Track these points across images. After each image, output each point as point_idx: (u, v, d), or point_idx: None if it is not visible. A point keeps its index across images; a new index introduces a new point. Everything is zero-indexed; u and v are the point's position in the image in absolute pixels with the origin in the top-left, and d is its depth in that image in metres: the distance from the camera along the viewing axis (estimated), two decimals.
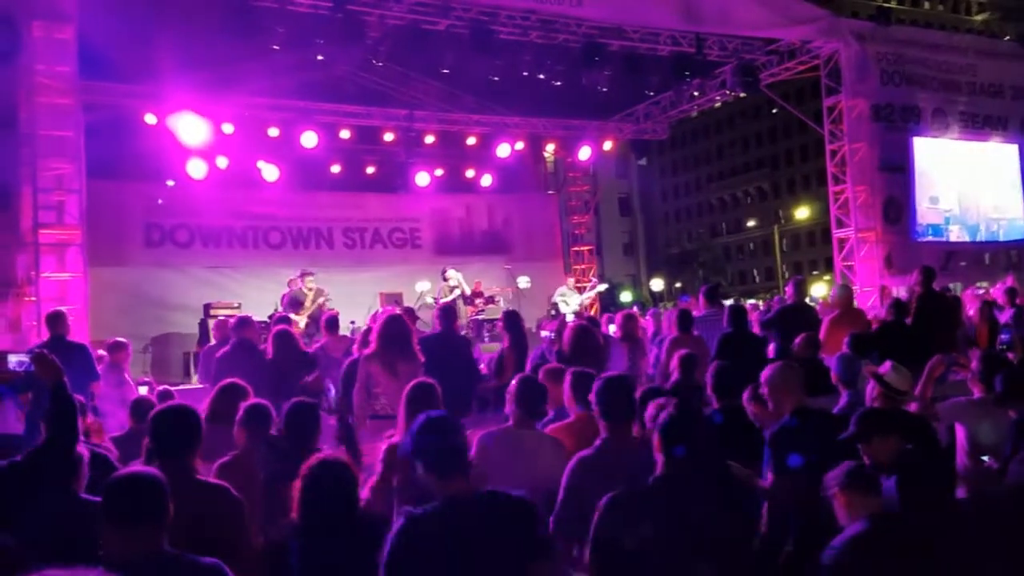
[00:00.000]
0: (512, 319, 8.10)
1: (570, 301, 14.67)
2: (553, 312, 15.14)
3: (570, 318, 13.74)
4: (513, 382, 4.48)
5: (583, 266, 20.42)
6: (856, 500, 3.02)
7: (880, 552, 2.83)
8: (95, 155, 11.18)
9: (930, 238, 15.11)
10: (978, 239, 15.88)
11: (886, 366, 4.66)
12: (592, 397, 3.98)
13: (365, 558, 2.92)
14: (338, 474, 3.18)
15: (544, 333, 12.30)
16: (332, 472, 3.17)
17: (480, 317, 14.44)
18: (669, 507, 2.96)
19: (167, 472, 2.99)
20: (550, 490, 3.92)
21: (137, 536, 2.67)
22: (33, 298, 9.44)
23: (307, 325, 11.83)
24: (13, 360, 4.02)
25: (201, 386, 8.22)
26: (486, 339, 13.36)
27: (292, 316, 11.80)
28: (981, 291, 13.24)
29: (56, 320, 7.29)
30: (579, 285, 17.53)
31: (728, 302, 10.98)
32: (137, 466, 2.98)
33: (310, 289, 12.49)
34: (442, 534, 2.69)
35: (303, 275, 12.76)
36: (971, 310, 9.22)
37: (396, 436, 4.18)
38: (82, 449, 3.59)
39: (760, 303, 23.61)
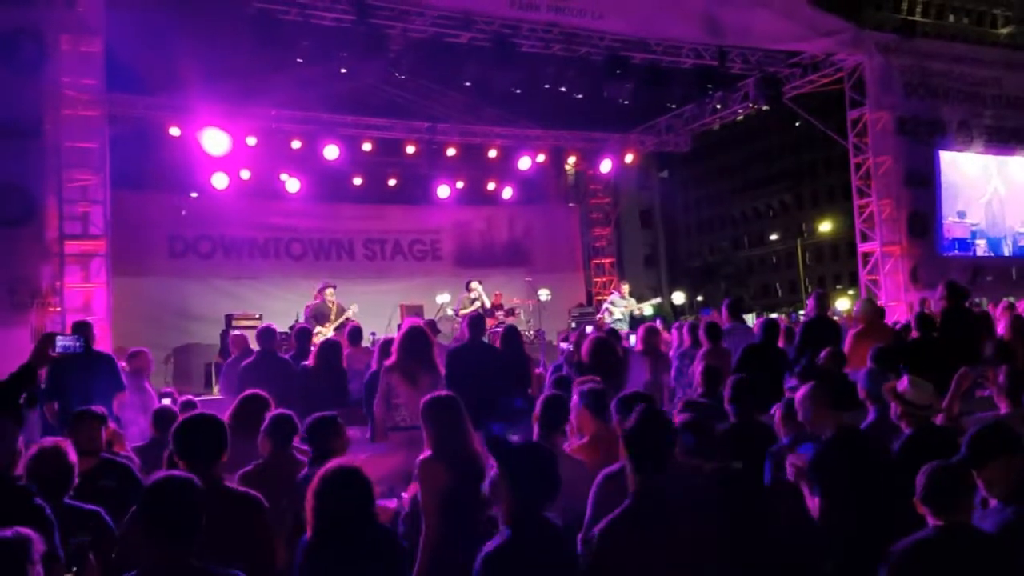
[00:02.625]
0: (508, 333, 8.01)
1: (615, 310, 14.57)
2: (574, 325, 15.09)
3: (613, 320, 13.64)
4: (539, 401, 4.45)
5: (604, 279, 20.37)
6: (933, 513, 2.96)
7: (936, 558, 2.86)
8: (120, 166, 11.30)
9: (956, 252, 14.95)
10: (1004, 253, 15.70)
11: (903, 382, 4.56)
12: (614, 411, 3.97)
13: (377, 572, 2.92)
14: (351, 482, 3.08)
15: (563, 345, 12.23)
16: (345, 480, 3.08)
17: (499, 329, 14.38)
18: (652, 529, 2.98)
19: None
20: (573, 509, 3.90)
21: (170, 546, 2.67)
22: (57, 308, 9.51)
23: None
24: (60, 343, 4.03)
25: (222, 397, 8.22)
26: None
27: (319, 328, 11.82)
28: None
29: (82, 330, 7.32)
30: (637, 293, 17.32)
31: (749, 317, 10.89)
32: (175, 472, 2.96)
33: (332, 302, 12.47)
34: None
35: (324, 288, 12.76)
36: (1001, 325, 9.06)
37: (428, 449, 4.14)
38: (73, 458, 3.61)
39: (784, 316, 23.45)
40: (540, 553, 2.91)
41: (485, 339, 7.78)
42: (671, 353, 8.42)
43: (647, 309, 17.18)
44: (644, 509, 3.02)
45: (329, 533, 3.02)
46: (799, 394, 4.35)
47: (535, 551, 2.90)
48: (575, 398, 4.68)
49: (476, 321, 7.69)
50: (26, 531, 2.47)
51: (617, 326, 13.23)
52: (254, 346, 8.65)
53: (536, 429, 4.37)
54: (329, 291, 12.58)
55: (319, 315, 12.31)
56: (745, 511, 3.74)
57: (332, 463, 3.17)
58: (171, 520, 2.71)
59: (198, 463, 3.42)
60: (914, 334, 8.09)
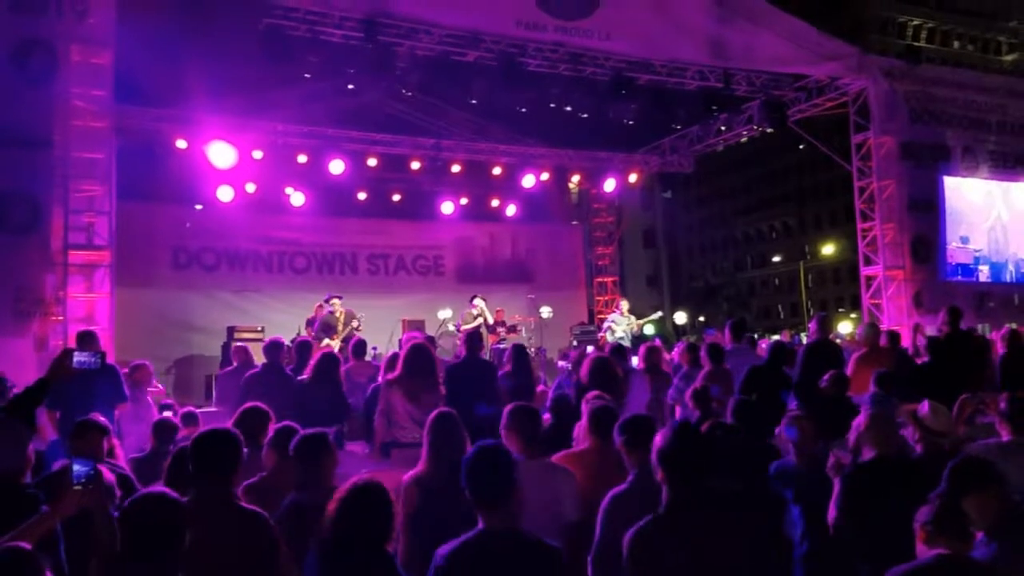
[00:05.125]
0: (516, 352, 8.02)
1: (616, 328, 14.56)
2: (575, 343, 15.08)
3: (615, 338, 13.63)
4: (505, 411, 4.45)
5: (606, 297, 20.37)
6: (936, 541, 2.94)
7: None
8: (126, 178, 11.33)
9: (959, 278, 14.95)
10: (1006, 280, 15.69)
11: (924, 407, 4.59)
12: (617, 433, 3.97)
13: None
14: (377, 499, 3.03)
15: (560, 363, 12.23)
16: (371, 497, 3.03)
17: (501, 346, 14.42)
18: (684, 537, 2.99)
19: (209, 497, 2.95)
20: (563, 522, 3.90)
21: (152, 566, 2.68)
22: (60, 317, 9.51)
23: (340, 350, 11.85)
24: (77, 359, 4.03)
25: (217, 409, 8.20)
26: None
27: (327, 341, 11.94)
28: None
29: (87, 340, 7.30)
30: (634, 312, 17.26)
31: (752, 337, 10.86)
32: (154, 489, 2.95)
33: (340, 313, 12.57)
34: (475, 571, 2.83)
35: (329, 299, 12.85)
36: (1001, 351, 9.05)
37: (420, 466, 4.14)
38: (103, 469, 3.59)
39: (787, 333, 23.41)
40: (492, 559, 2.90)
41: (486, 355, 7.80)
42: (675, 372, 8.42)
43: (649, 328, 17.16)
44: (676, 520, 3.05)
45: (345, 552, 2.97)
46: (857, 420, 4.34)
47: (487, 558, 2.89)
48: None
49: (473, 338, 7.71)
50: (26, 546, 2.48)
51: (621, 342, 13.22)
52: (256, 358, 8.65)
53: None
54: (335, 302, 12.68)
55: (327, 327, 12.43)
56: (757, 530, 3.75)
57: (359, 482, 3.11)
58: (151, 539, 2.69)
59: (214, 480, 3.41)
60: (924, 359, 8.11)
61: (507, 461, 3.07)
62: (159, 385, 9.30)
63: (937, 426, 4.50)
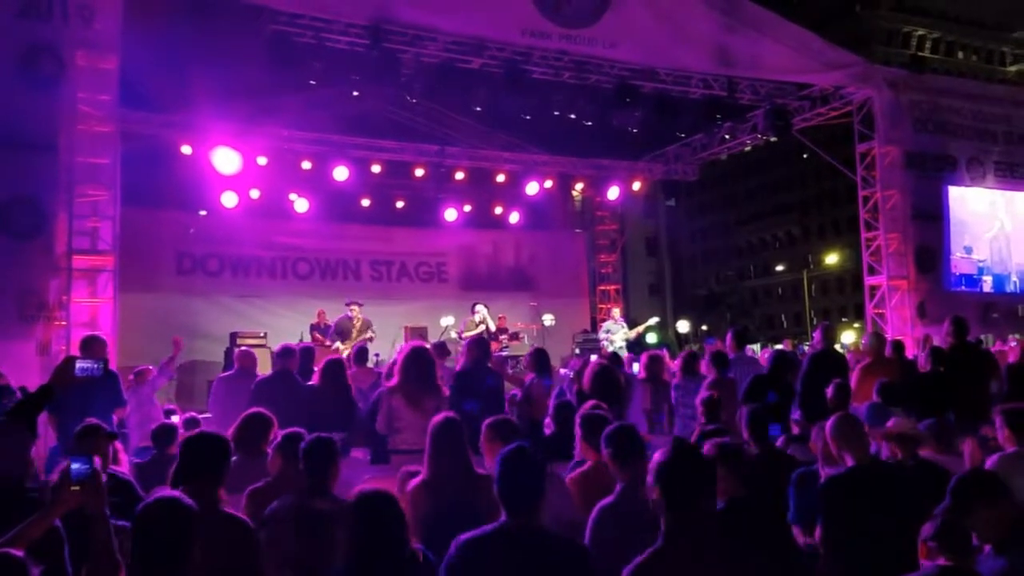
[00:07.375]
0: (540, 356, 8.05)
1: (615, 338, 14.52)
2: (578, 351, 15.04)
3: (615, 347, 13.61)
4: (485, 425, 4.44)
5: (608, 305, 20.33)
6: (938, 557, 2.91)
7: None
8: (130, 183, 11.34)
9: (963, 288, 14.92)
10: (1008, 290, 15.65)
11: (890, 422, 4.70)
12: (603, 445, 3.94)
13: None
14: (385, 508, 3.05)
15: (562, 371, 12.20)
16: (379, 506, 3.05)
17: (504, 353, 14.40)
18: (684, 568, 2.82)
19: (196, 500, 2.95)
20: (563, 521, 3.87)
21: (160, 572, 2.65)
22: (63, 322, 9.51)
23: (348, 356, 11.90)
24: (80, 366, 4.02)
25: (210, 415, 8.13)
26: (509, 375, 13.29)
27: (338, 344, 12.28)
28: (1014, 343, 13.06)
29: (93, 345, 7.26)
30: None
31: (754, 347, 10.85)
32: (166, 493, 2.94)
33: (358, 320, 12.67)
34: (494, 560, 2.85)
35: (349, 304, 12.96)
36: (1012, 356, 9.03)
37: (423, 473, 4.12)
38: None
39: (789, 342, 23.37)
40: (514, 551, 2.89)
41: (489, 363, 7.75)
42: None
43: (651, 336, 17.12)
44: (677, 550, 2.77)
45: (366, 562, 2.97)
46: (829, 422, 4.32)
47: (509, 549, 2.88)
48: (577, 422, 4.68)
49: (476, 344, 7.69)
50: (16, 553, 2.46)
51: (619, 352, 13.21)
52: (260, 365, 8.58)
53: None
54: (355, 308, 12.93)
55: (341, 331, 12.55)
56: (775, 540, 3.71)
57: (366, 490, 3.13)
58: (163, 545, 2.67)
59: (200, 483, 3.41)
60: (926, 368, 8.09)
61: (539, 466, 3.06)
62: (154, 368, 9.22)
63: (908, 430, 4.55)
